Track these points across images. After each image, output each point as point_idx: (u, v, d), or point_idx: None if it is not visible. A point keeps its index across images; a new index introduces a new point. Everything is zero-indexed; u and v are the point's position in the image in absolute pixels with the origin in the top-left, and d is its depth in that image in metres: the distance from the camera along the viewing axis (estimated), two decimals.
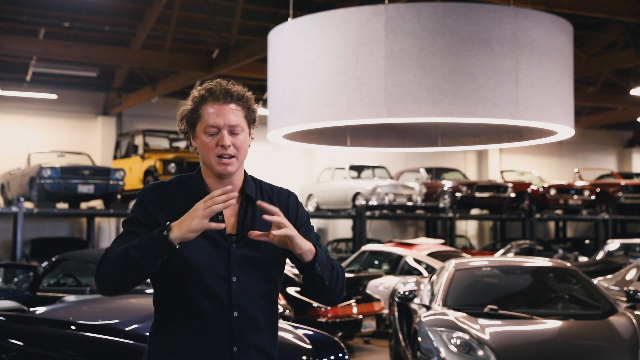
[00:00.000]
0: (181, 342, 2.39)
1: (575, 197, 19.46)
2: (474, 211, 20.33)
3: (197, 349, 2.37)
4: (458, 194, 18.45)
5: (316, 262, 2.35)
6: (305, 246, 2.32)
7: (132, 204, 17.60)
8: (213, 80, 2.48)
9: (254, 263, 2.40)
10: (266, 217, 2.27)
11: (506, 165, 24.92)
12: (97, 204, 16.66)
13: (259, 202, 2.31)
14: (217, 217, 2.40)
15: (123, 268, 2.28)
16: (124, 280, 2.31)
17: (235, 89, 2.44)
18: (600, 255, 14.35)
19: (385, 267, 11.90)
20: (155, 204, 2.42)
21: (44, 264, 8.33)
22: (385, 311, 9.31)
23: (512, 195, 19.16)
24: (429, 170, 20.20)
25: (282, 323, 5.23)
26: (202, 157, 2.43)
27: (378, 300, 9.56)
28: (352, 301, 9.16)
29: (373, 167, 19.26)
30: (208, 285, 2.34)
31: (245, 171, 2.51)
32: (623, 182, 20.18)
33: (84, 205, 16.33)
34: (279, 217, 2.28)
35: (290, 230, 2.28)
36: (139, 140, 17.13)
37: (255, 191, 2.49)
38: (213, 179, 2.44)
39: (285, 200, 2.53)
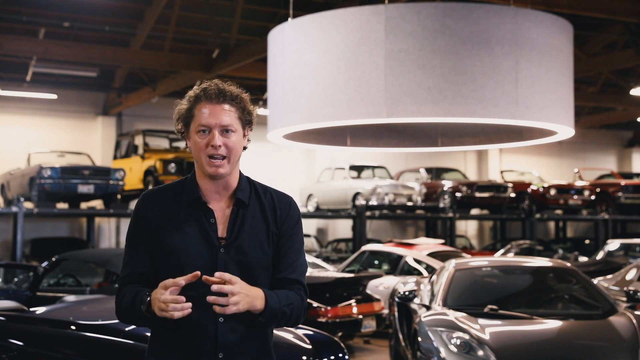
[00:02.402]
0: (169, 347, 2.39)
1: (575, 197, 19.46)
2: (474, 211, 20.33)
3: (184, 354, 2.37)
4: (458, 194, 18.45)
5: (260, 316, 2.33)
6: (253, 307, 2.28)
7: (132, 204, 17.66)
8: (210, 81, 2.46)
9: (241, 268, 2.36)
10: (210, 297, 2.22)
11: (506, 165, 24.93)
12: (97, 204, 16.65)
13: (207, 278, 2.25)
14: (209, 220, 2.40)
15: (131, 320, 2.46)
16: (140, 325, 2.50)
17: (230, 89, 2.41)
18: (600, 255, 14.35)
19: (385, 267, 11.89)
20: (147, 215, 2.43)
21: (44, 264, 8.33)
22: (385, 311, 9.31)
23: (512, 195, 19.16)
24: (429, 170, 20.20)
25: None
26: (194, 157, 2.42)
27: (378, 300, 9.56)
28: (352, 301, 9.15)
29: (373, 167, 19.26)
30: (195, 290, 2.31)
31: (240, 172, 2.48)
32: (623, 182, 20.18)
33: (84, 205, 16.33)
34: (227, 288, 2.22)
35: (231, 307, 2.21)
36: (139, 140, 17.13)
37: (248, 194, 2.46)
38: (206, 180, 2.43)
39: (278, 203, 2.49)
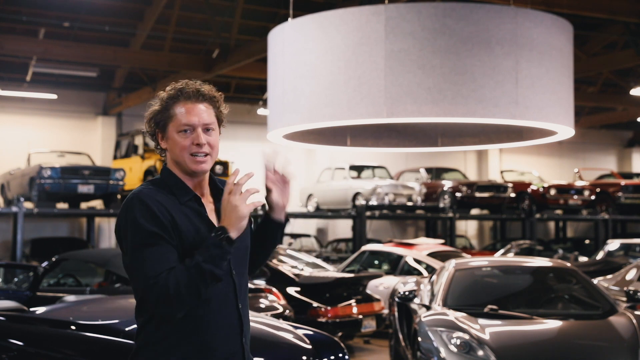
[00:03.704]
0: (196, 338, 2.36)
1: (575, 197, 19.46)
2: (474, 211, 20.32)
3: (211, 344, 2.37)
4: (458, 194, 18.45)
5: (285, 221, 2.55)
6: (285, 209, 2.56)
7: None
8: (182, 81, 2.52)
9: (243, 254, 2.48)
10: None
11: (506, 165, 24.92)
12: (97, 204, 16.65)
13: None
14: (202, 213, 2.44)
15: (201, 284, 2.24)
16: (204, 289, 2.27)
17: (206, 88, 2.48)
18: (600, 255, 14.34)
19: (385, 267, 11.89)
20: (161, 209, 2.35)
21: (44, 264, 8.33)
22: (385, 311, 9.31)
23: (512, 195, 19.16)
24: (429, 170, 20.19)
25: (282, 323, 5.24)
26: (174, 157, 2.44)
27: (378, 300, 9.56)
28: (352, 301, 9.16)
29: (373, 167, 19.26)
30: (219, 285, 2.36)
31: None
32: (623, 182, 20.17)
33: (84, 205, 16.32)
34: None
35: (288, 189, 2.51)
36: (139, 140, 17.13)
37: (218, 185, 2.56)
38: (186, 177, 2.46)
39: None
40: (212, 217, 2.46)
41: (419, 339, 5.91)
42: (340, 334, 8.73)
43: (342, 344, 5.08)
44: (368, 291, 9.71)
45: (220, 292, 2.38)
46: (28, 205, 14.87)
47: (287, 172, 2.48)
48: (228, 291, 2.40)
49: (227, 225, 2.28)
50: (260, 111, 19.17)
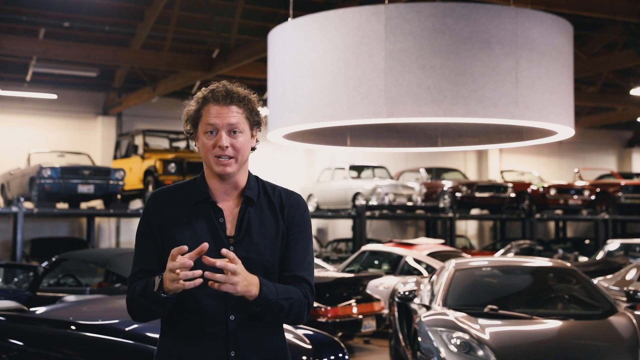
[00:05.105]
0: (180, 345, 2.40)
1: (575, 197, 19.46)
2: (474, 211, 20.32)
3: (195, 352, 2.38)
4: (458, 194, 18.45)
5: (254, 304, 2.31)
6: (248, 293, 2.25)
7: (132, 204, 17.49)
8: (219, 82, 2.48)
9: (251, 265, 2.33)
10: (208, 272, 2.20)
11: (506, 165, 24.92)
12: (97, 204, 16.65)
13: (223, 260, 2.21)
14: (218, 219, 2.41)
15: (143, 311, 2.39)
16: (152, 317, 2.41)
17: (238, 90, 2.43)
18: (600, 255, 14.35)
19: (385, 267, 11.89)
20: (156, 213, 2.45)
21: (44, 264, 8.33)
22: (385, 311, 9.31)
23: (512, 195, 19.16)
24: (429, 170, 20.19)
25: None
26: (202, 158, 2.44)
27: (378, 300, 9.56)
28: (352, 301, 9.16)
29: (373, 167, 19.26)
30: (205, 289, 2.32)
31: (249, 172, 2.50)
32: (623, 182, 20.18)
33: (84, 205, 16.32)
34: (230, 267, 2.20)
35: (228, 286, 2.20)
36: (139, 140, 17.12)
37: (257, 192, 2.48)
38: (215, 180, 2.45)
39: (286, 201, 2.50)
40: (230, 222, 2.43)
41: (419, 339, 5.91)
42: (340, 334, 8.73)
43: (342, 344, 5.08)
44: (368, 291, 9.71)
45: (210, 300, 2.36)
46: (28, 205, 14.86)
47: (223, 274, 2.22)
48: (218, 300, 2.36)
49: (164, 281, 2.25)
50: (260, 111, 19.13)
